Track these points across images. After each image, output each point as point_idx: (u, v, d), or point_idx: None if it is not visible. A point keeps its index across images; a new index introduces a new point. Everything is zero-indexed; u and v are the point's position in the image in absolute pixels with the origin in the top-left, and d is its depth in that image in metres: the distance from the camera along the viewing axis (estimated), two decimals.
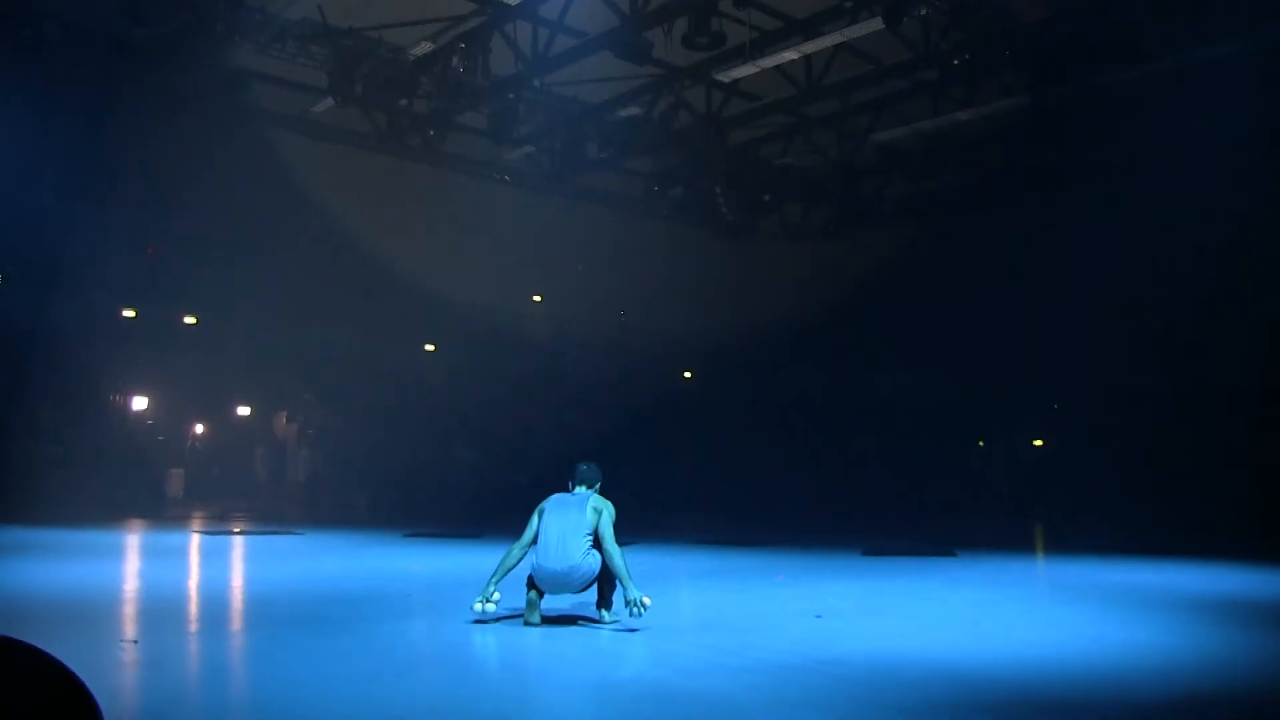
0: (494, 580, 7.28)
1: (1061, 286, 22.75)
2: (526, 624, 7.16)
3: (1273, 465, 19.43)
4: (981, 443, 28.11)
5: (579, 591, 7.34)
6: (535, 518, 7.37)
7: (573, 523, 7.21)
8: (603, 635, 7.03)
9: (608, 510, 7.31)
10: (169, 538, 14.97)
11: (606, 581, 7.35)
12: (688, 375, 31.84)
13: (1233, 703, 5.58)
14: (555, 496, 7.52)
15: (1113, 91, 17.50)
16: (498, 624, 7.32)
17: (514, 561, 7.31)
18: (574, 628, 7.25)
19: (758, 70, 17.25)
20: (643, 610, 6.91)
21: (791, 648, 6.58)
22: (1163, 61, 16.51)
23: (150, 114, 17.73)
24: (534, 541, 7.30)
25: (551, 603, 7.42)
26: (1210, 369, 20.88)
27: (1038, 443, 27.52)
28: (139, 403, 25.17)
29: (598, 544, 7.20)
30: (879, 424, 27.07)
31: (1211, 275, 19.46)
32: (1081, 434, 24.51)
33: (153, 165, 19.06)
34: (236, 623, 7.93)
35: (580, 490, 7.54)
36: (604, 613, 7.38)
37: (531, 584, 7.30)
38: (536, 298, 30.41)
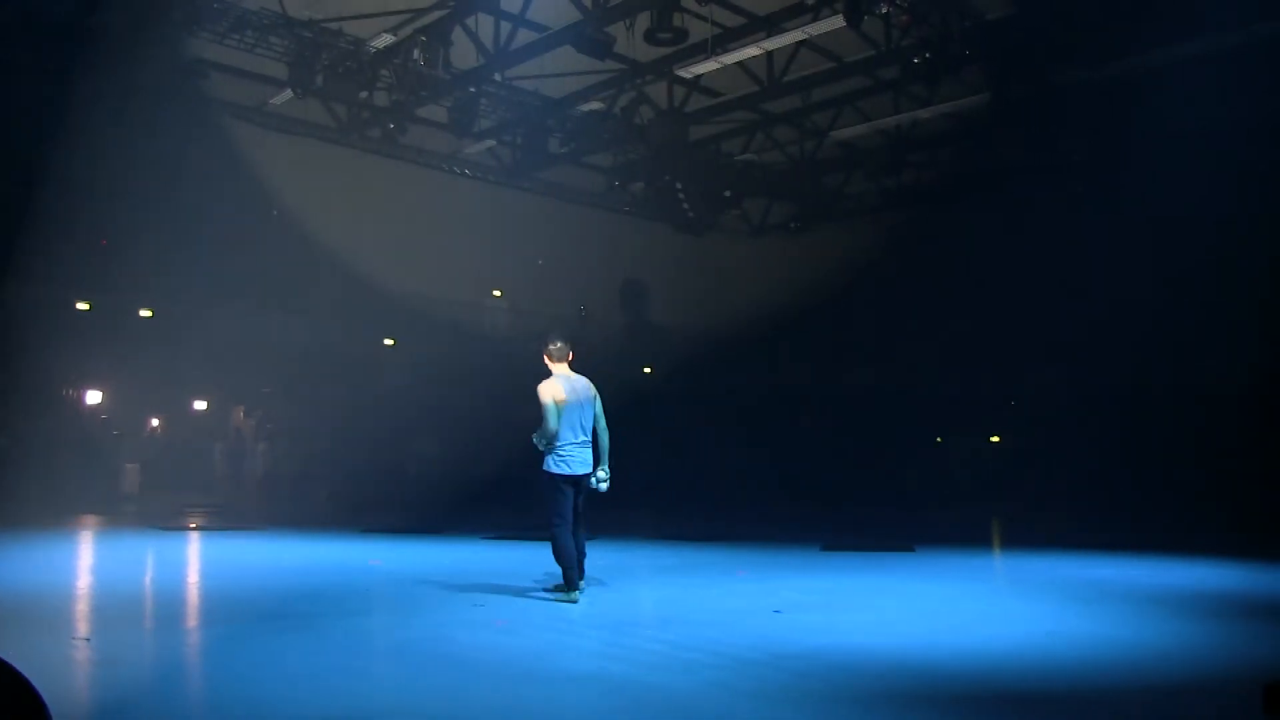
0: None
1: (1020, 284, 22.95)
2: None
3: (1230, 462, 19.70)
4: (940, 439, 28.30)
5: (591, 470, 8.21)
6: (554, 414, 8.06)
7: (587, 411, 8.28)
8: (562, 630, 7.01)
9: (598, 396, 8.40)
10: (124, 534, 14.76)
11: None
12: (648, 370, 31.83)
13: (1186, 692, 5.65)
14: (564, 384, 8.22)
15: (1074, 90, 17.68)
16: (457, 619, 7.29)
17: (556, 434, 8.11)
18: (533, 624, 7.24)
19: (720, 66, 17.30)
20: (606, 482, 8.23)
21: (751, 642, 6.59)
22: (1124, 61, 16.70)
23: (105, 103, 17.46)
24: (556, 427, 8.10)
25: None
26: (1167, 366, 21.11)
27: (995, 439, 27.75)
28: (93, 397, 24.80)
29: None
30: (838, 419, 27.17)
31: (1170, 273, 19.66)
32: (1038, 430, 24.72)
33: (107, 155, 18.75)
34: (192, 619, 7.83)
35: (574, 374, 8.37)
36: (558, 594, 8.19)
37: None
38: (496, 292, 30.30)
